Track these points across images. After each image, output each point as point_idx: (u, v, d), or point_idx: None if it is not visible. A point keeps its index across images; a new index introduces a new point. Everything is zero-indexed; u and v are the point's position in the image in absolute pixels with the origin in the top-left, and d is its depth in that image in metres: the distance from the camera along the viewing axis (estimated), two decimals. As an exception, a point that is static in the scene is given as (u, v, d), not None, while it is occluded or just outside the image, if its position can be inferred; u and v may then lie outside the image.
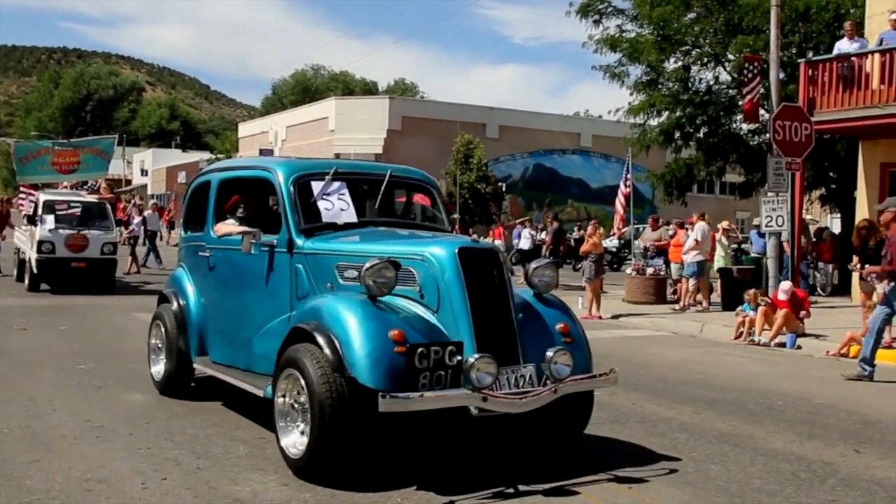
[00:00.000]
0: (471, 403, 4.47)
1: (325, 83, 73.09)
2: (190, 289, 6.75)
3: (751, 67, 15.46)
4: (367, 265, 4.71)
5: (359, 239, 5.53)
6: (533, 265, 5.34)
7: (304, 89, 70.74)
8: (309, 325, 4.75)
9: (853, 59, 14.88)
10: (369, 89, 74.01)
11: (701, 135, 22.07)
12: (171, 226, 39.73)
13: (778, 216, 13.24)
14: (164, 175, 61.86)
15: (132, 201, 39.33)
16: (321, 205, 5.73)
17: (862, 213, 15.59)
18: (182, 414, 6.23)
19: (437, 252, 4.85)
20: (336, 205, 5.77)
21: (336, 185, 5.83)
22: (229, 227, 6.20)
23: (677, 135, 21.92)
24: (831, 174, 20.93)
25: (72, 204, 15.93)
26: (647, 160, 25.77)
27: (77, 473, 4.72)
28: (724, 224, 16.46)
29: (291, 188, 5.68)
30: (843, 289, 17.69)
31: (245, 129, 52.89)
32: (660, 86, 22.05)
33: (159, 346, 7.04)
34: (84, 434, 5.60)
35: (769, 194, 13.44)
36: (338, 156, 31.61)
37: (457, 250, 4.84)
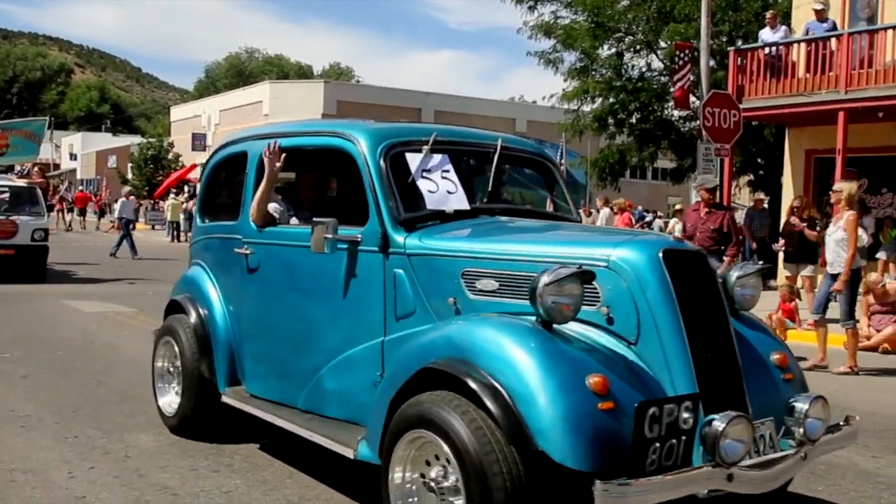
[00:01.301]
0: (715, 485, 2.97)
1: (259, 67, 73.77)
2: (214, 295, 5.08)
3: (682, 55, 16.15)
4: (547, 277, 3.14)
5: (488, 234, 3.96)
6: (736, 273, 3.83)
7: (238, 73, 70.96)
8: (452, 366, 3.18)
9: (780, 48, 15.25)
10: (304, 73, 74.52)
11: (634, 121, 22.89)
12: (101, 213, 38.57)
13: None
14: (94, 159, 61.12)
15: (62, 185, 37.61)
16: (422, 186, 4.13)
17: (788, 198, 15.85)
18: (110, 402, 6.09)
19: (631, 256, 3.31)
20: (441, 186, 4.18)
21: (437, 158, 4.24)
22: (265, 211, 4.59)
23: (610, 121, 22.56)
24: (759, 160, 21.66)
25: (0, 188, 15.00)
26: (581, 146, 26.74)
27: (0, 464, 4.63)
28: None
29: (382, 162, 4.07)
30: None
31: (177, 112, 52.25)
32: (593, 72, 22.86)
33: (170, 370, 5.36)
34: (8, 424, 5.48)
35: (699, 179, 12.55)
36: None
37: (661, 253, 3.32)
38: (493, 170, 4.43)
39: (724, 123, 14.00)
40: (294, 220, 4.76)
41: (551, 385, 2.96)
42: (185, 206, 28.61)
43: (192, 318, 5.11)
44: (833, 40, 14.43)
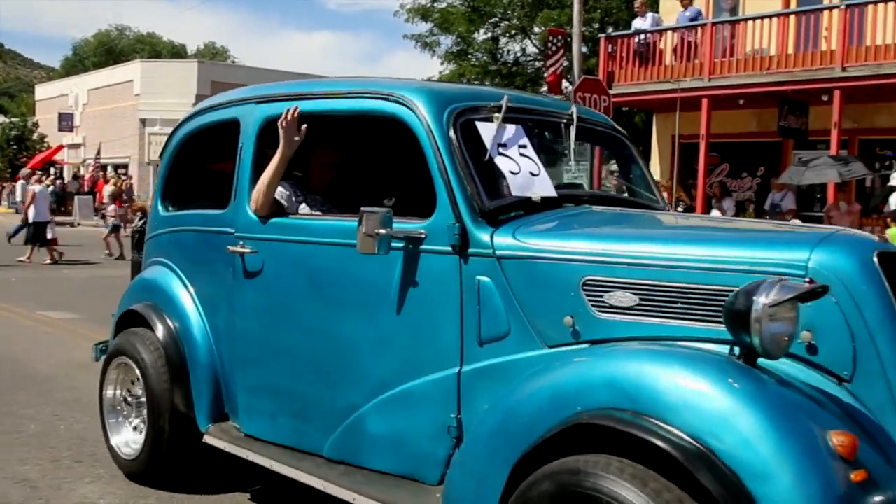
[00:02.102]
0: None
1: (130, 45, 70.43)
2: (190, 305, 3.93)
3: (555, 41, 16.49)
4: (767, 295, 2.21)
5: (617, 230, 3.02)
6: None
7: (107, 51, 68.13)
8: (628, 421, 2.22)
9: (648, 35, 15.88)
10: (178, 52, 72.02)
11: (509, 105, 24.39)
12: None
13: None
14: (-47, 141, 56.15)
15: None
16: (502, 165, 3.15)
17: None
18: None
19: (837, 261, 2.43)
20: (522, 166, 3.20)
21: (511, 130, 3.25)
22: (273, 197, 3.52)
23: (486, 105, 23.90)
24: None
25: None
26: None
27: None
28: None
29: (452, 133, 3.06)
30: None
31: (43, 91, 49.20)
32: (470, 56, 23.38)
33: (128, 400, 4.18)
34: None
35: (571, 163, 12.36)
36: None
37: (875, 256, 2.47)
38: (571, 146, 3.48)
39: (594, 108, 14.35)
40: (304, 208, 3.69)
41: (792, 451, 2.06)
42: (49, 188, 26.38)
43: (161, 333, 3.95)
44: (699, 29, 15.09)
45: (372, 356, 3.18)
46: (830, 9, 13.78)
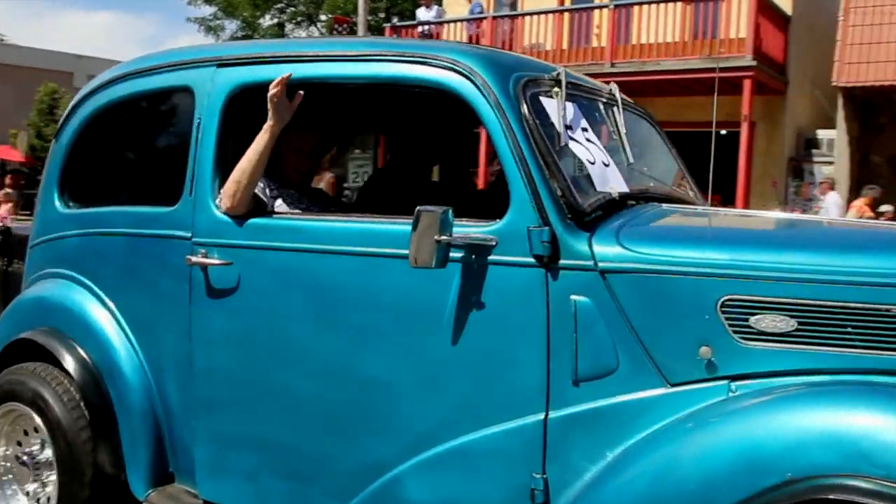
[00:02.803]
0: None
1: None
2: (114, 332, 2.95)
3: (340, 29, 17.04)
4: None
5: (744, 234, 2.46)
6: None
7: None
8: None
9: (432, 27, 15.99)
10: None
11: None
12: None
13: (364, 172, 12.88)
14: None
15: None
16: (578, 153, 2.51)
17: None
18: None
19: None
20: (596, 157, 2.57)
21: (570, 109, 2.62)
22: (252, 192, 2.69)
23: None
24: None
25: None
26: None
27: None
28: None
29: (525, 108, 2.39)
30: None
31: None
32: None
33: (22, 460, 3.13)
34: None
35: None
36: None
37: None
38: (622, 132, 2.89)
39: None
40: (280, 205, 2.87)
41: None
42: None
43: (74, 368, 2.96)
44: (485, 22, 15.32)
45: (411, 401, 2.44)
46: (601, 8, 14.50)
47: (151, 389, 2.90)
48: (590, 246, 2.27)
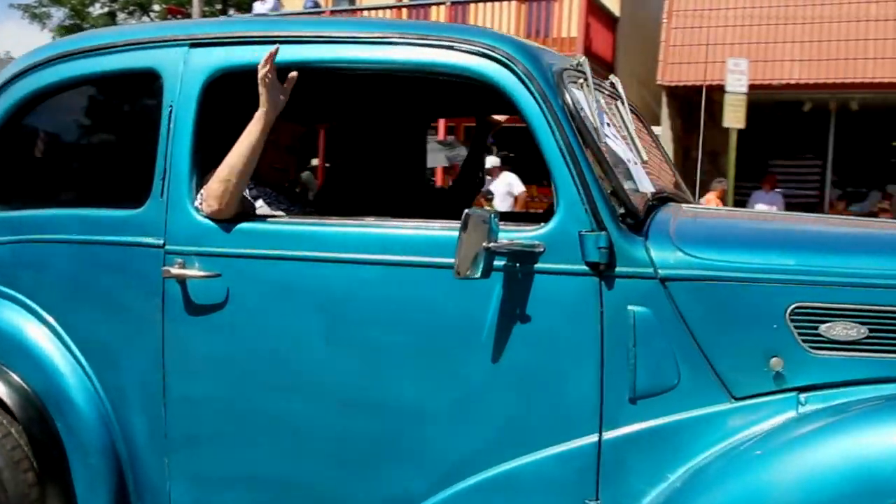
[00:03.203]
0: None
1: None
2: (61, 358, 2.49)
3: (175, 19, 16.75)
4: None
5: (807, 237, 2.33)
6: None
7: None
8: None
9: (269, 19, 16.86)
10: None
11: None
12: None
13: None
14: None
15: None
16: (619, 150, 2.32)
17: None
18: None
19: None
20: (626, 155, 2.39)
21: (594, 102, 2.42)
22: (241, 192, 2.34)
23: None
24: None
25: None
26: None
27: None
28: None
29: (570, 99, 2.17)
30: None
31: None
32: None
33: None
34: None
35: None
36: None
37: None
38: (630, 126, 2.71)
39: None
40: (261, 206, 2.53)
41: None
42: None
43: (12, 401, 2.48)
44: (319, 17, 15.98)
45: (444, 427, 2.19)
46: (438, 4, 14.56)
47: (111, 422, 2.48)
48: (647, 251, 2.09)
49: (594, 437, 2.10)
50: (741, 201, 11.39)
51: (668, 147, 13.78)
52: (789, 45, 12.01)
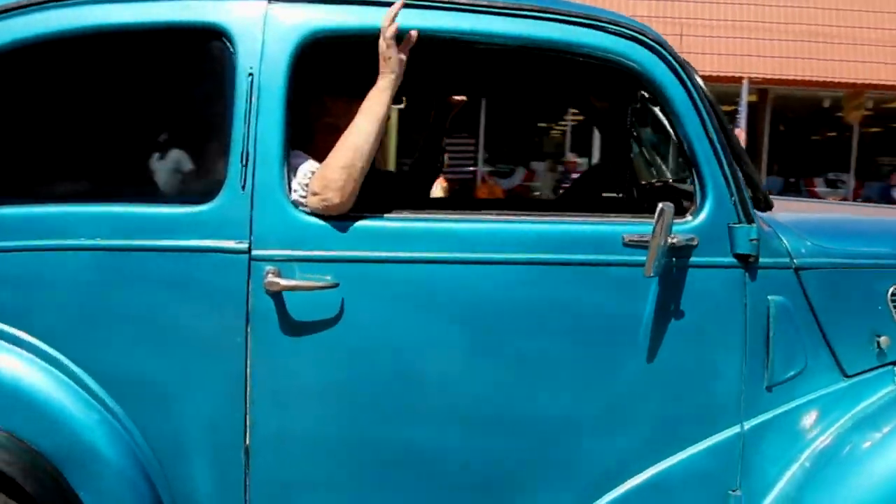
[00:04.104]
0: None
1: None
2: (76, 405, 1.85)
3: None
4: None
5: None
6: None
7: None
8: None
9: None
10: None
11: None
12: None
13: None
14: None
15: None
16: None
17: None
18: None
19: None
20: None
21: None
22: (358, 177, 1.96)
23: None
24: None
25: None
26: None
27: None
28: None
29: (707, 91, 2.12)
30: None
31: None
32: None
33: None
34: None
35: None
36: None
37: None
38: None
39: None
40: None
41: None
42: None
43: (8, 467, 1.81)
44: None
45: (595, 434, 2.05)
46: None
47: (158, 479, 1.92)
48: (782, 242, 2.15)
49: (737, 428, 2.12)
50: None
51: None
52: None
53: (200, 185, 1.93)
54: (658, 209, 1.89)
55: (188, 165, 1.98)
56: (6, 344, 1.87)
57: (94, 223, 1.88)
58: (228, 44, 1.90)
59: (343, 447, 1.95)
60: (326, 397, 1.93)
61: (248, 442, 1.92)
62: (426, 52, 2.00)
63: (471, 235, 1.98)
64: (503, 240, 1.98)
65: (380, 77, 1.92)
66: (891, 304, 2.25)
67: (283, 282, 1.87)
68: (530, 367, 2.01)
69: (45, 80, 1.97)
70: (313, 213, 1.91)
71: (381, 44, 1.90)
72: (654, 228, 1.89)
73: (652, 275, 1.91)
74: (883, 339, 2.23)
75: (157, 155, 2.00)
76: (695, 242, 2.05)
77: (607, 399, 2.05)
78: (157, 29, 1.92)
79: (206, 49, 1.94)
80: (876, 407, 2.18)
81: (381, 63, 1.91)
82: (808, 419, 2.17)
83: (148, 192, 1.97)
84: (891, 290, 2.25)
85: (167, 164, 1.96)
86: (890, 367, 2.26)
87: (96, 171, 2.00)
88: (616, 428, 2.06)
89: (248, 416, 1.91)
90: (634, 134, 3.00)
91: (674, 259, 2.05)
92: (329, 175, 1.89)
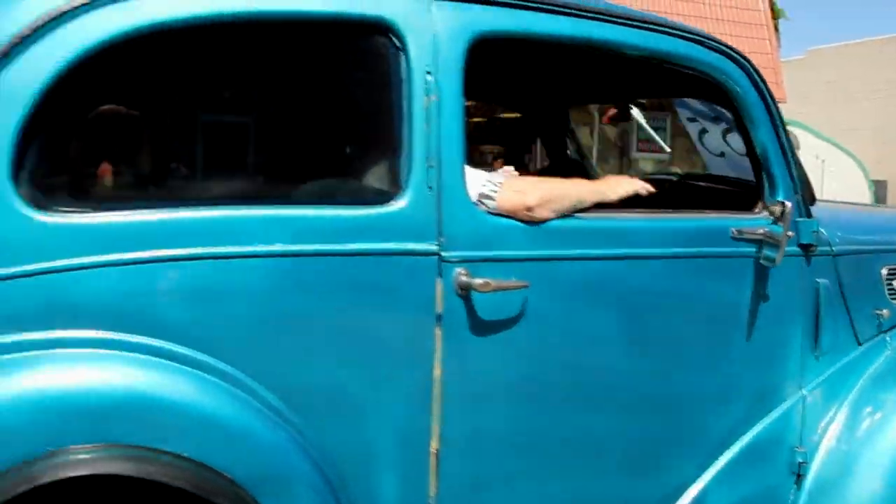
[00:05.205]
0: None
1: None
2: (265, 425, 1.71)
3: None
4: None
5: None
6: None
7: None
8: None
9: None
10: None
11: None
12: None
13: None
14: None
15: None
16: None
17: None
18: None
19: None
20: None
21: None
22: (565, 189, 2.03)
23: None
24: None
25: None
26: None
27: None
28: None
29: (773, 101, 2.43)
30: None
31: None
32: None
33: None
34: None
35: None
36: None
37: None
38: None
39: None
40: None
41: None
42: None
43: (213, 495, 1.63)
44: None
45: (713, 412, 2.31)
46: None
47: (336, 491, 1.83)
48: (826, 233, 2.52)
49: (801, 393, 2.46)
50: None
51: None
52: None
53: (376, 186, 1.87)
54: (787, 207, 2.17)
55: (360, 166, 1.90)
56: (169, 362, 1.67)
57: (264, 228, 1.73)
58: (396, 39, 1.86)
59: (528, 441, 2.01)
60: (514, 394, 1.97)
61: (435, 446, 1.89)
62: (566, 58, 2.10)
63: (634, 231, 2.13)
64: (660, 235, 2.17)
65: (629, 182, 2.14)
66: (883, 283, 2.73)
67: (477, 281, 1.88)
68: (672, 352, 2.21)
69: (218, 72, 1.79)
70: (496, 213, 1.93)
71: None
72: (783, 224, 2.16)
73: (773, 262, 2.18)
74: (885, 312, 2.70)
75: (325, 155, 1.89)
76: (779, 236, 2.35)
77: (723, 376, 2.31)
78: (316, 18, 1.82)
79: (371, 44, 1.88)
80: (883, 368, 2.63)
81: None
82: (839, 380, 2.57)
83: (318, 194, 1.86)
84: (885, 268, 2.73)
85: (349, 165, 1.86)
86: (883, 334, 2.73)
87: (264, 172, 1.85)
88: (729, 401, 2.32)
89: (436, 420, 1.89)
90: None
91: (758, 249, 2.33)
92: (554, 197, 1.97)
